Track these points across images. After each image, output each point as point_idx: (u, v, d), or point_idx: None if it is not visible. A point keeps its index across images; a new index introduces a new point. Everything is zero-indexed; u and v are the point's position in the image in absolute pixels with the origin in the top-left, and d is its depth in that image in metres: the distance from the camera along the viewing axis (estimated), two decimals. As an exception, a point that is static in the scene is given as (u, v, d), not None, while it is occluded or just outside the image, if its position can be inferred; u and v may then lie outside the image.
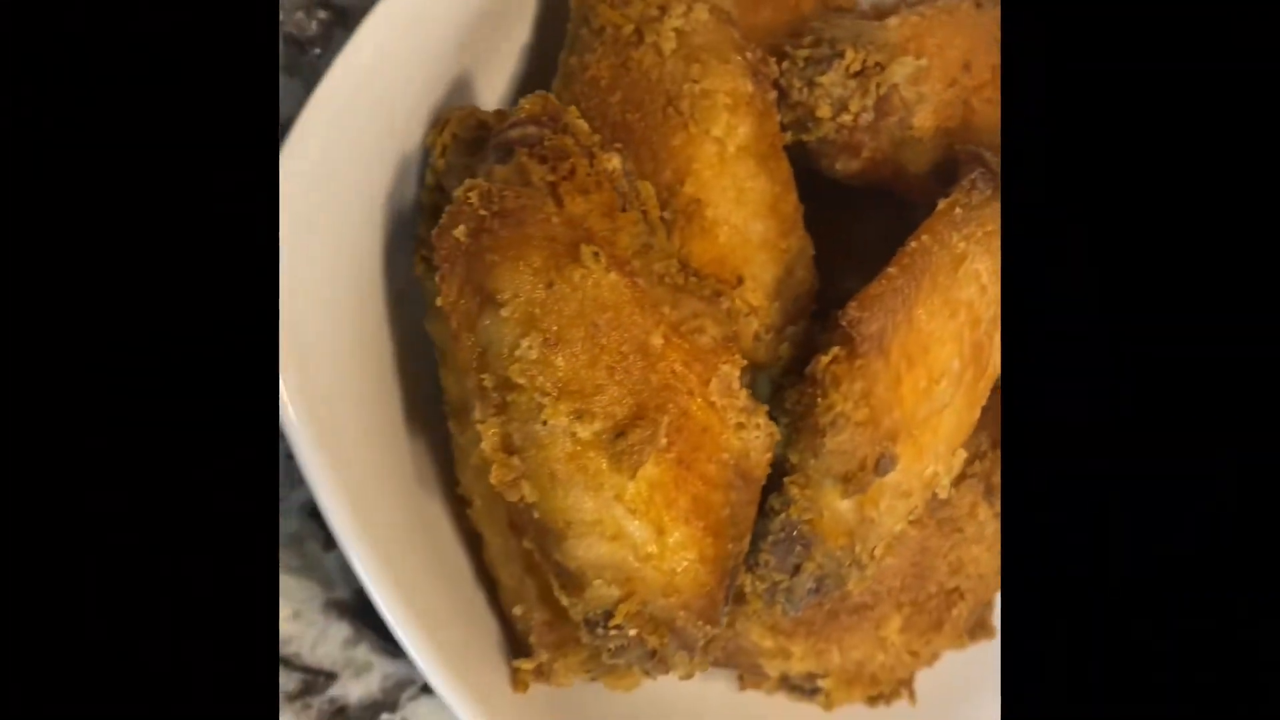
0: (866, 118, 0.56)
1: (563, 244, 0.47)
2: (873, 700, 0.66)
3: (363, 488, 0.51)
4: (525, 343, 0.46)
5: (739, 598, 0.56)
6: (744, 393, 0.50)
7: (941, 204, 0.53)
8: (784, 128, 0.57)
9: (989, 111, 0.61)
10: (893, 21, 0.58)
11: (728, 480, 0.50)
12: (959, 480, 0.60)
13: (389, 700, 0.66)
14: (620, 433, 0.47)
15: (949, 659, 0.67)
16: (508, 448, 0.48)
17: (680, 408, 0.48)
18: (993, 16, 0.62)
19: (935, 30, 0.59)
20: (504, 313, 0.47)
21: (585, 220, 0.48)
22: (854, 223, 0.64)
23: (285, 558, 0.64)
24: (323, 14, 0.64)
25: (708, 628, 0.51)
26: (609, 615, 0.49)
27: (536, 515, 0.49)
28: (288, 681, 0.65)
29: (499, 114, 0.53)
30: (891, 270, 0.51)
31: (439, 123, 0.54)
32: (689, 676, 0.52)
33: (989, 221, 0.52)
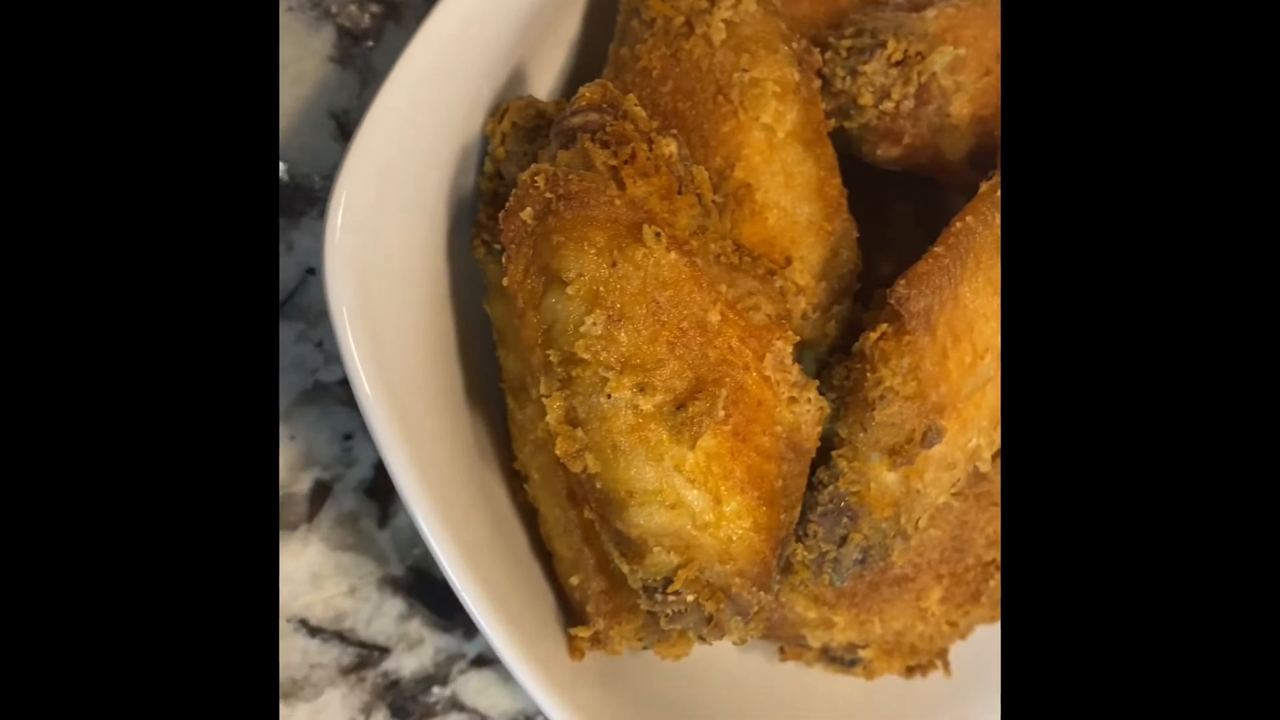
0: (908, 105, 0.58)
1: (625, 225, 0.49)
2: (910, 671, 0.68)
3: (431, 461, 0.53)
4: (590, 319, 0.48)
5: (787, 568, 0.58)
6: (796, 368, 0.52)
7: (984, 186, 0.55)
8: (827, 115, 0.59)
9: (1021, 100, 0.63)
10: (930, 13, 0.61)
11: (780, 452, 0.52)
12: (997, 455, 0.62)
13: (440, 674, 0.68)
14: (680, 405, 0.49)
15: (981, 632, 0.69)
16: (572, 420, 0.50)
17: (737, 382, 0.50)
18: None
19: (970, 21, 0.61)
20: (569, 291, 0.49)
21: (646, 202, 0.50)
22: (890, 207, 0.67)
23: (341, 535, 0.66)
24: (375, 7, 0.66)
25: (761, 594, 0.53)
26: (668, 581, 0.51)
27: (599, 485, 0.50)
28: (343, 656, 0.67)
29: (558, 103, 0.55)
30: (938, 249, 0.53)
31: (498, 112, 0.56)
32: (743, 642, 0.55)
33: (1029, 203, 0.54)
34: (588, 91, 0.52)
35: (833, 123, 0.59)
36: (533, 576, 0.60)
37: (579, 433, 0.50)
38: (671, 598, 0.51)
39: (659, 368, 0.49)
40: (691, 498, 0.50)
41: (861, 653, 0.65)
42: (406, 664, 0.68)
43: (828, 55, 0.59)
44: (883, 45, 0.58)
